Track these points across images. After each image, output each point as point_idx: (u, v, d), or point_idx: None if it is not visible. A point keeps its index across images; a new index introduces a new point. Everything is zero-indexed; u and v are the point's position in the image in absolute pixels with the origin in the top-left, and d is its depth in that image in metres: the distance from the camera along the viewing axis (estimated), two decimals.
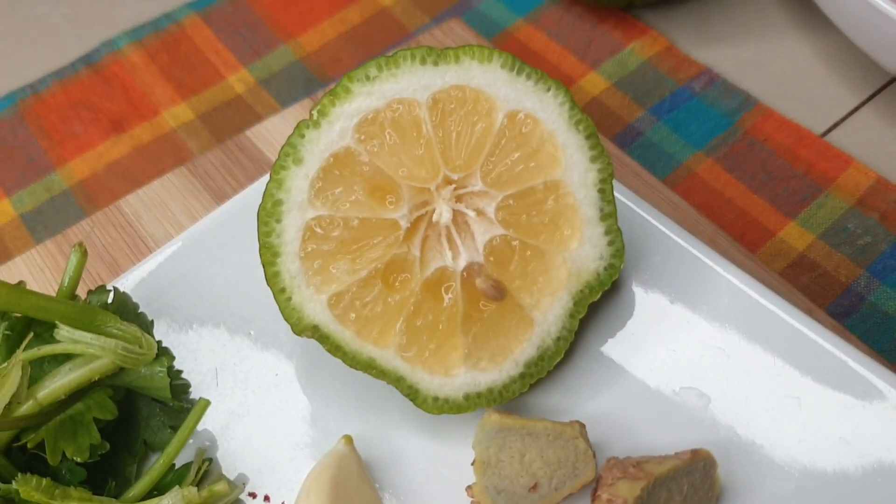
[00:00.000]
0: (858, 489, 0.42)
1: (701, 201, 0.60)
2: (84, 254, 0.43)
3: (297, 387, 0.47)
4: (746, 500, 0.43)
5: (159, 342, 0.45)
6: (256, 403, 0.47)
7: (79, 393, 0.42)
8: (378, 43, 0.70)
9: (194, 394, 0.47)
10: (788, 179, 0.60)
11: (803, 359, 0.45)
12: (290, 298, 0.44)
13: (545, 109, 0.44)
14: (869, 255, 0.57)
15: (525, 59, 0.67)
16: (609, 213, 0.45)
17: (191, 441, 0.45)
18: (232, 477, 0.45)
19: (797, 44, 0.68)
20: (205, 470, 0.43)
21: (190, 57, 0.70)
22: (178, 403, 0.44)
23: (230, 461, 0.45)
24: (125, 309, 0.45)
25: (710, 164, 0.61)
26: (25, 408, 0.40)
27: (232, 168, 0.59)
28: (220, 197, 0.58)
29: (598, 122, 0.64)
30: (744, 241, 0.58)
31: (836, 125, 0.64)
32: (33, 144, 0.65)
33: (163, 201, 0.58)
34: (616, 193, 0.49)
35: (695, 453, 0.42)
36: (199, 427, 0.46)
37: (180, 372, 0.46)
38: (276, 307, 0.44)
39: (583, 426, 0.44)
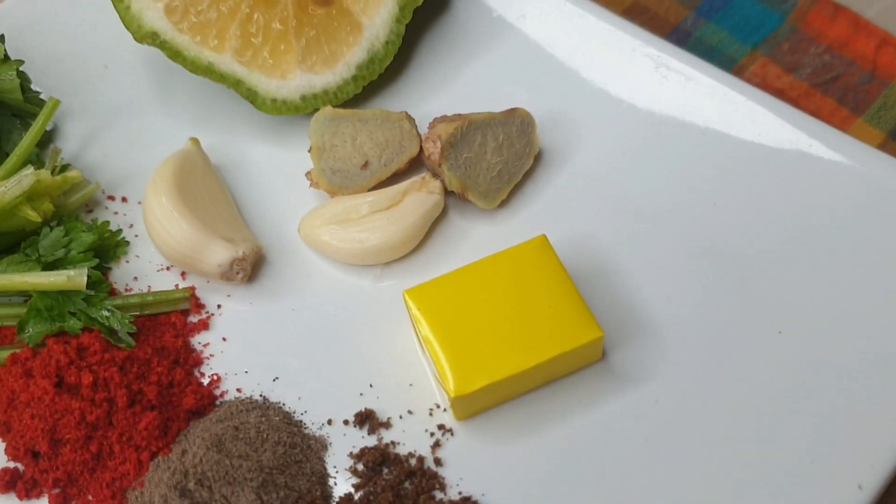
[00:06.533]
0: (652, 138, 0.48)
1: None
2: None
3: (149, 98, 0.51)
4: (564, 161, 0.48)
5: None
6: (111, 121, 0.51)
7: None
8: None
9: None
10: None
11: (608, 50, 0.50)
12: (128, 7, 0.47)
13: None
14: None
15: None
16: None
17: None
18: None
19: None
20: (62, 167, 0.47)
21: None
22: (32, 107, 0.47)
23: (90, 171, 0.49)
24: None
25: None
26: None
27: None
28: None
29: None
30: None
31: None
32: None
33: None
34: None
35: (513, 110, 0.47)
36: (59, 144, 0.50)
37: (30, 81, 0.49)
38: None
39: (409, 116, 0.48)
